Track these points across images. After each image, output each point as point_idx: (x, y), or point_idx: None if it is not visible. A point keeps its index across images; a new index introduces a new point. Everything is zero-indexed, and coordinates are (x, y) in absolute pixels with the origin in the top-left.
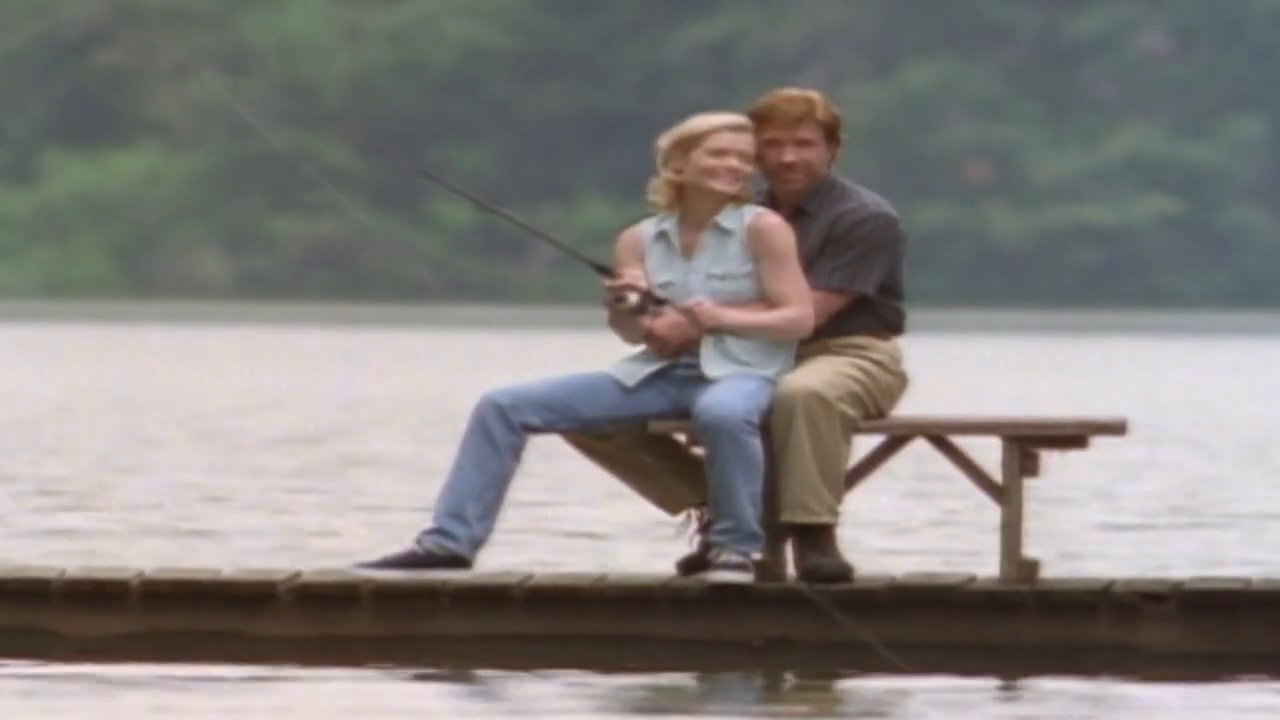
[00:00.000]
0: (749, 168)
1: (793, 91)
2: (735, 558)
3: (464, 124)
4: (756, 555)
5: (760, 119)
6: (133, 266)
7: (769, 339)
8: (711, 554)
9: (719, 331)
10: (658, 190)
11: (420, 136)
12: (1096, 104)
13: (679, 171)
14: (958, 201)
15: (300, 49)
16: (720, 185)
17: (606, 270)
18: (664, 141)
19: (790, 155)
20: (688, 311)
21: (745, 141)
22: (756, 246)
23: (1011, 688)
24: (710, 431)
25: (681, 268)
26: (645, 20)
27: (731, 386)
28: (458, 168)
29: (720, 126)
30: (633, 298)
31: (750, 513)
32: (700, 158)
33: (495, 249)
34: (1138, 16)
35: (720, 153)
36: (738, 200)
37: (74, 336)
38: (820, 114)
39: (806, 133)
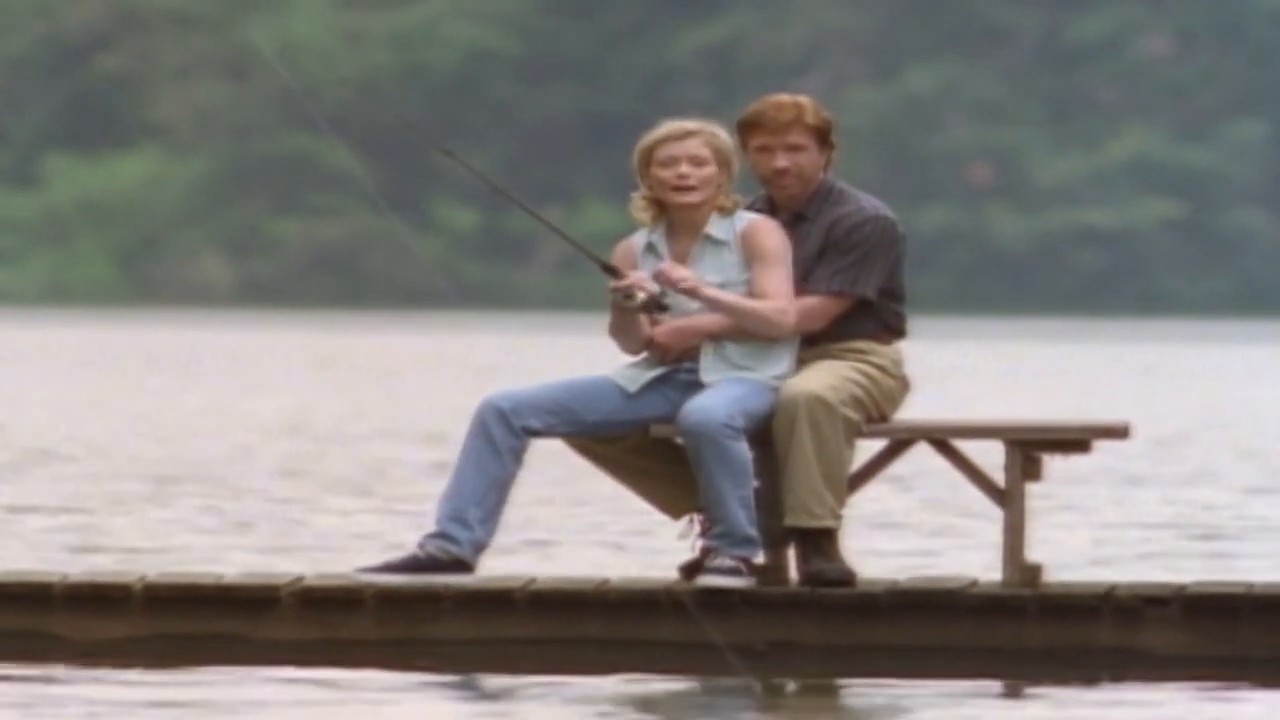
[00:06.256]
0: (706, 170)
1: (782, 97)
2: (728, 562)
3: (466, 127)
4: (758, 559)
5: (750, 126)
6: (135, 271)
7: (741, 323)
8: (708, 558)
9: (695, 296)
10: (639, 207)
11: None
12: (1098, 107)
13: (649, 187)
14: (959, 204)
15: (302, 52)
16: (678, 198)
17: (613, 270)
18: (634, 159)
19: (782, 161)
20: (660, 275)
21: (693, 145)
22: (748, 250)
23: (1014, 692)
24: (691, 437)
25: None
26: (647, 23)
27: (717, 391)
28: (460, 170)
29: (662, 138)
30: (640, 295)
31: (742, 516)
32: (656, 172)
33: (498, 253)
34: (1139, 20)
35: (668, 162)
36: (723, 209)
37: (76, 341)
38: (810, 118)
39: (796, 137)
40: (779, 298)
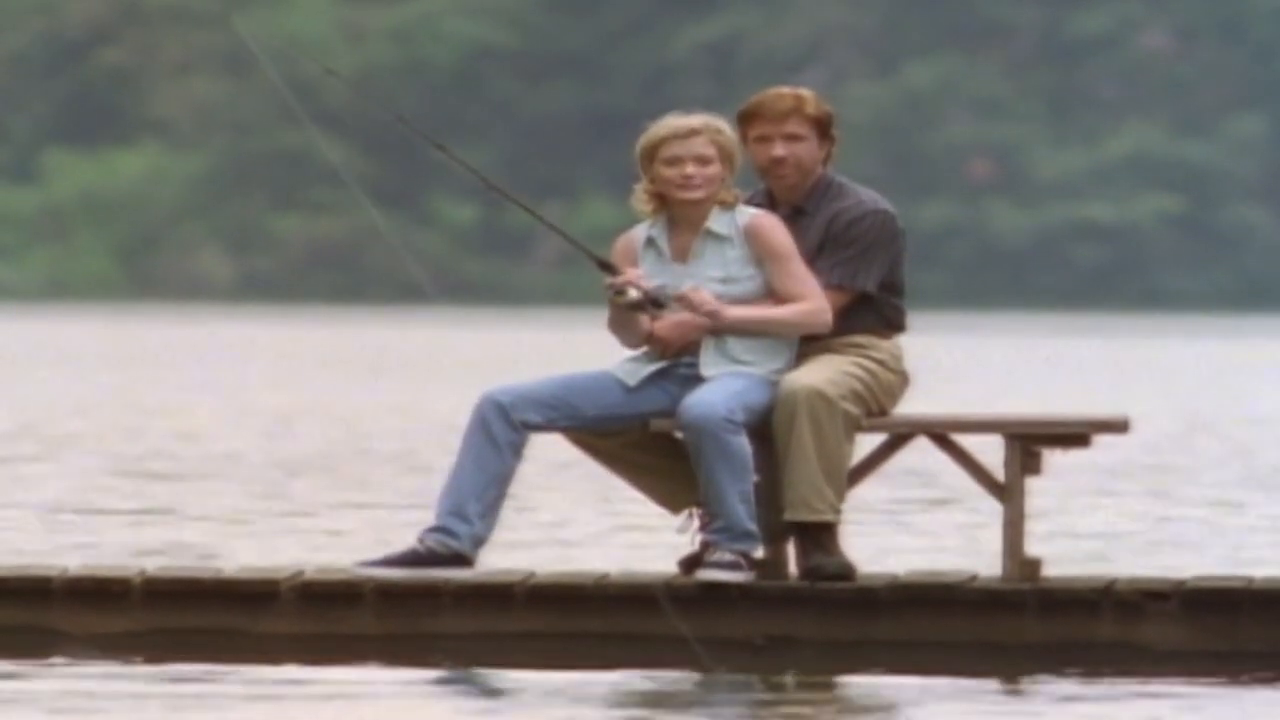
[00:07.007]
0: (711, 168)
1: (782, 89)
2: (728, 556)
3: (466, 123)
4: (757, 554)
5: (749, 116)
6: (135, 266)
7: (779, 335)
8: (707, 553)
9: (721, 328)
10: (640, 199)
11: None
12: (1098, 102)
13: (652, 181)
14: (959, 200)
15: (302, 48)
16: (682, 195)
17: (609, 266)
18: (637, 151)
19: (779, 150)
20: (683, 298)
21: (698, 144)
22: (757, 248)
23: (1014, 687)
24: (691, 431)
25: (676, 272)
26: (647, 19)
27: (717, 385)
28: (457, 166)
29: (666, 136)
30: (633, 293)
31: (741, 511)
32: (659, 169)
33: (497, 248)
34: (1139, 15)
35: (672, 161)
36: (724, 203)
37: (76, 336)
38: (809, 109)
39: (795, 127)
40: (808, 296)
